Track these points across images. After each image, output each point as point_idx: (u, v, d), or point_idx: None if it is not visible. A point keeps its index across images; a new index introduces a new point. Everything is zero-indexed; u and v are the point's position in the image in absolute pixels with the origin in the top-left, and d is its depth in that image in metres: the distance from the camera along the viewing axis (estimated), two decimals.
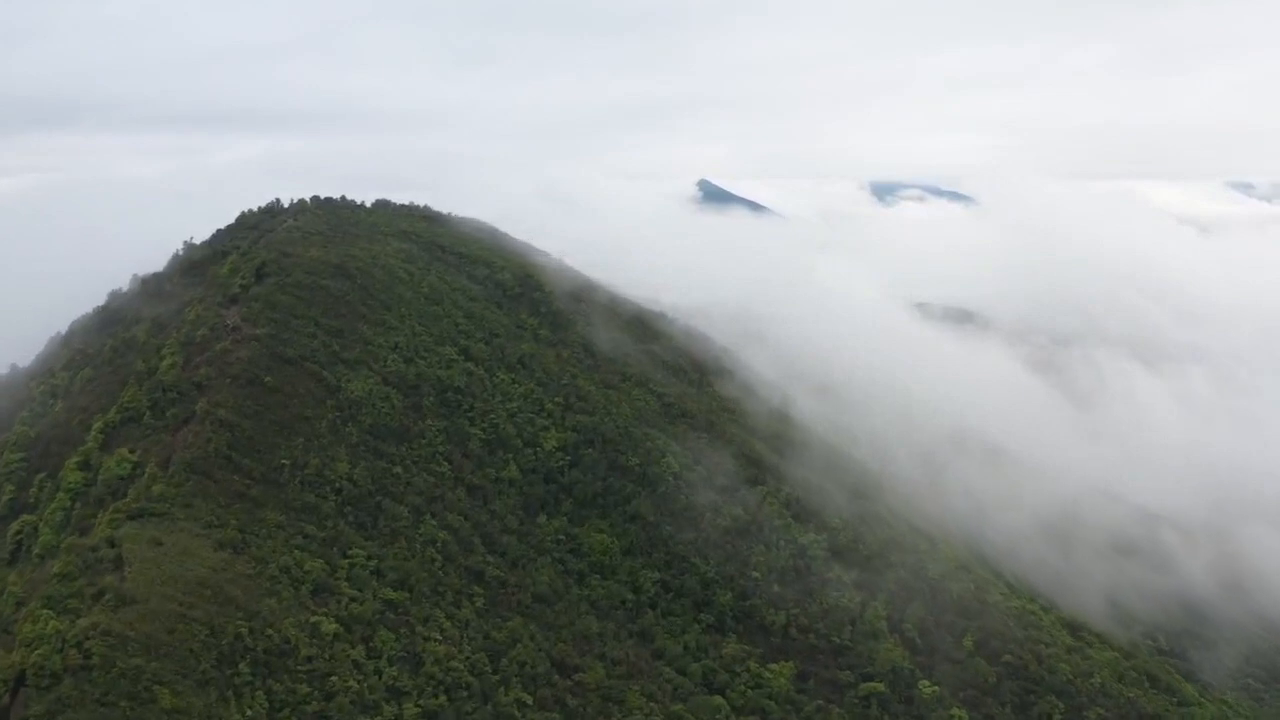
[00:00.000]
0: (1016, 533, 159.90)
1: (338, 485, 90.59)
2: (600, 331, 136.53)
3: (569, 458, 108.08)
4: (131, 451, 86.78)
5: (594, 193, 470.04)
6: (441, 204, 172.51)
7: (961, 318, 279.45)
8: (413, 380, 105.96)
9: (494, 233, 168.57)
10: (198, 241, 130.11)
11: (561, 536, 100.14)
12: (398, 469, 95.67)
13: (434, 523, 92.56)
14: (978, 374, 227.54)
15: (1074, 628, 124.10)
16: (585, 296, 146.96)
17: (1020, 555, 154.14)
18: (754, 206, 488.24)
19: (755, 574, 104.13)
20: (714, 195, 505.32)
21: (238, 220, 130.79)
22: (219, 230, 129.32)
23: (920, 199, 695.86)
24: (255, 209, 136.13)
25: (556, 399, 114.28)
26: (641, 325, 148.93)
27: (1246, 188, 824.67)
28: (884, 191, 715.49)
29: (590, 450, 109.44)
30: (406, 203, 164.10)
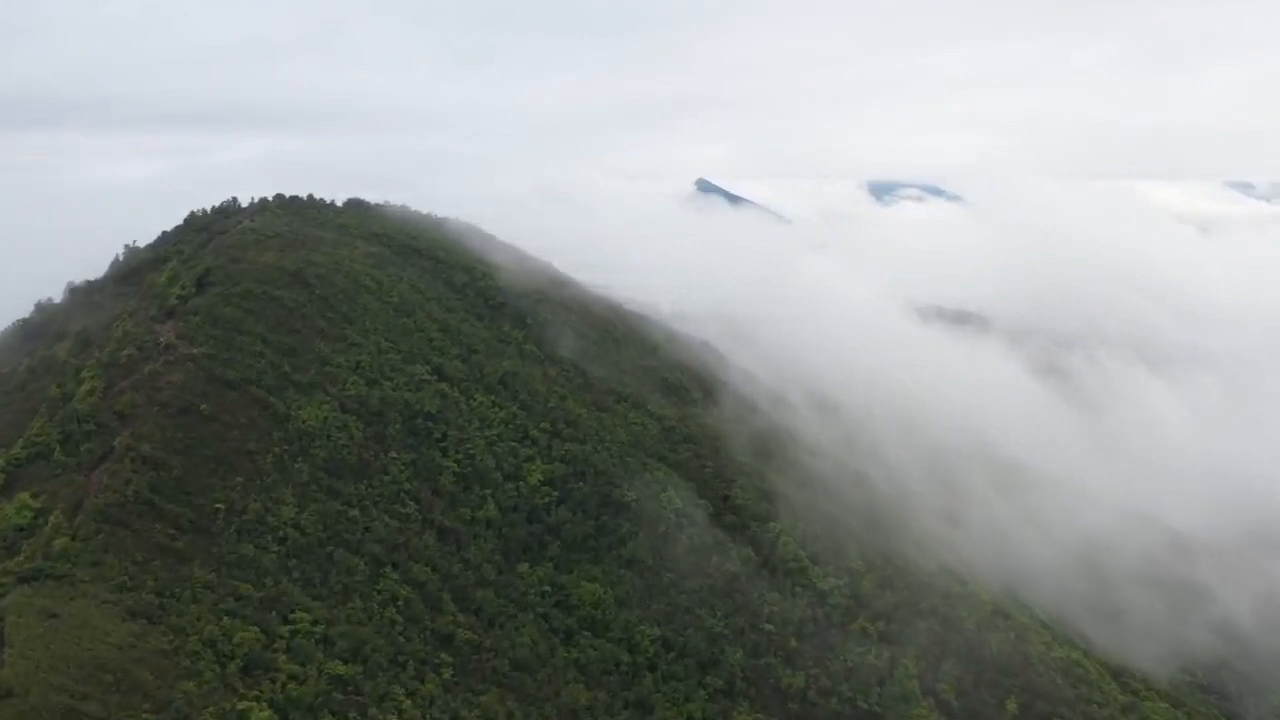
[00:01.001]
0: (1041, 559, 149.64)
1: (282, 533, 77.15)
2: (593, 345, 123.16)
3: (556, 493, 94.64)
4: (35, 496, 73.25)
5: (592, 192, 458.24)
6: (434, 204, 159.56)
7: (964, 320, 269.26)
8: (376, 406, 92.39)
9: (479, 234, 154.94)
10: (142, 245, 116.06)
11: (546, 588, 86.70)
12: (354, 512, 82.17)
13: (396, 576, 79.10)
14: (986, 383, 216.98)
15: (1116, 672, 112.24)
16: (577, 305, 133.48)
17: (1046, 583, 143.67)
18: (752, 206, 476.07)
19: (769, 626, 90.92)
20: (712, 195, 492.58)
21: (186, 221, 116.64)
22: (164, 232, 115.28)
23: (919, 199, 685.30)
24: (208, 209, 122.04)
25: (543, 424, 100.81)
26: (638, 337, 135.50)
27: (1246, 187, 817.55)
28: (882, 191, 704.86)
29: (580, 484, 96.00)
30: (382, 201, 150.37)
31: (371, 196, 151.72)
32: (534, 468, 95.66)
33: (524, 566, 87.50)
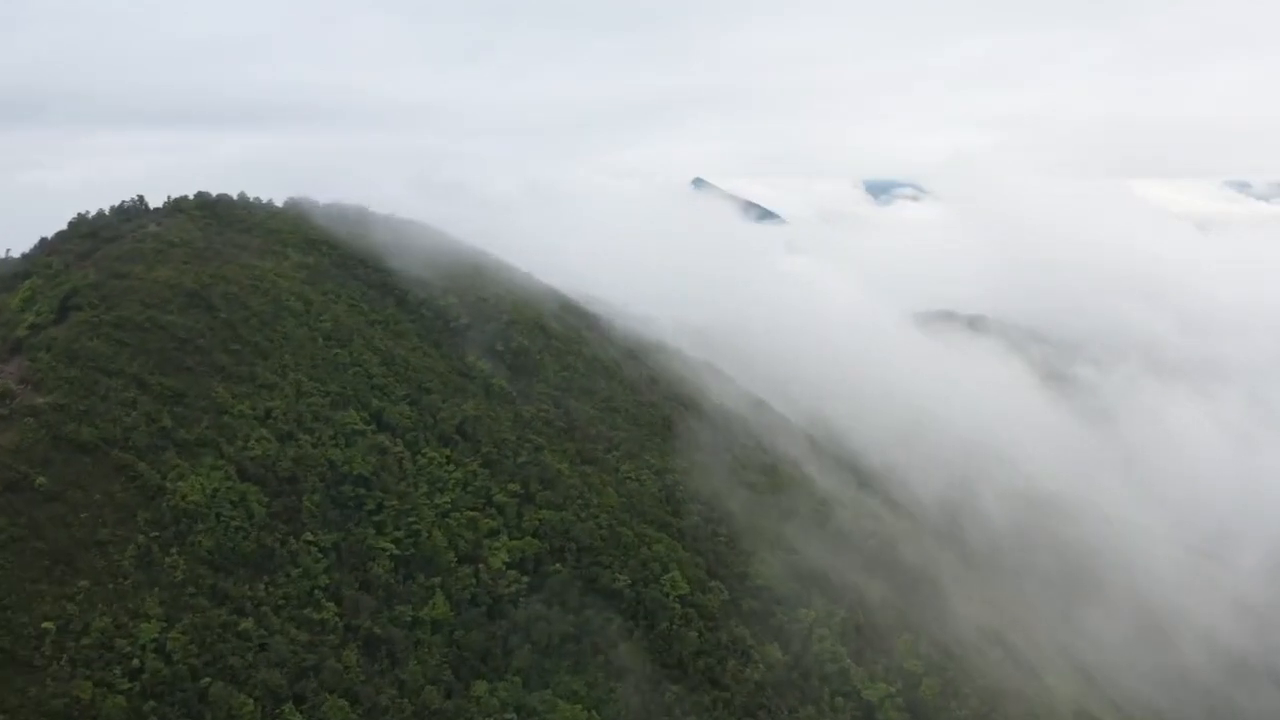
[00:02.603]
0: (1099, 613, 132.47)
1: (137, 662, 55.30)
2: (579, 376, 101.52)
3: (527, 579, 73.02)
4: None
5: (588, 192, 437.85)
6: (420, 207, 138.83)
7: (964, 324, 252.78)
8: (287, 470, 70.40)
9: (445, 240, 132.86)
10: (18, 255, 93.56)
11: (511, 715, 65.05)
12: (247, 623, 60.29)
13: (299, 718, 57.30)
14: (998, 399, 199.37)
15: None
16: (559, 326, 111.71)
17: (1109, 645, 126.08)
18: (749, 205, 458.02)
19: None
20: (708, 194, 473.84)
21: (70, 226, 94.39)
22: (43, 239, 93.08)
23: (915, 198, 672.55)
24: (105, 209, 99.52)
25: (511, 485, 79.11)
26: (633, 363, 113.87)
27: (1243, 186, 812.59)
28: (879, 190, 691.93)
29: (559, 566, 74.40)
30: (332, 201, 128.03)
31: (363, 198, 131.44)
32: (498, 545, 74.00)
33: (481, 685, 65.77)
